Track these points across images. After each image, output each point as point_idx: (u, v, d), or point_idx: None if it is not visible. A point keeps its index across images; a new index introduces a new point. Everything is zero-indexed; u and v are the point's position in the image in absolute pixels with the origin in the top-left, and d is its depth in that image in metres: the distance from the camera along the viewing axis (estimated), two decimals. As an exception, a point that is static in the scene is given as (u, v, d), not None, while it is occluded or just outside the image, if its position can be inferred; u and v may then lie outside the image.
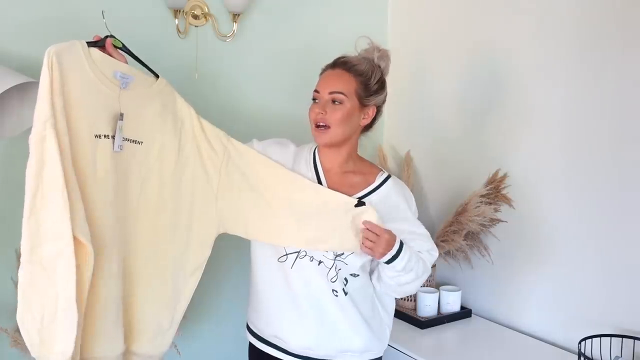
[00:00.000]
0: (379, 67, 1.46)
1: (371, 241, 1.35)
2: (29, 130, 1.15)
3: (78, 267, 1.15)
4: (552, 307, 1.89)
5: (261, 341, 1.51)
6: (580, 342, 1.56)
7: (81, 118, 1.21)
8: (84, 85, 1.22)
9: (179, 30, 1.84)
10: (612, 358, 1.61)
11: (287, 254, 1.43)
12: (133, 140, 1.32)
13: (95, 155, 1.24)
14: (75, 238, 1.14)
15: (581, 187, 1.79)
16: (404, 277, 1.42)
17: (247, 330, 1.59)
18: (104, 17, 1.35)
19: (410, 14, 2.37)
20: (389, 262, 1.37)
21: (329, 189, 1.43)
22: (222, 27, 1.94)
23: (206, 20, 1.90)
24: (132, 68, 1.32)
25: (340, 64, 1.44)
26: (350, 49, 1.49)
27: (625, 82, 1.67)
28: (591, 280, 1.77)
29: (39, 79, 1.19)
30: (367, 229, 1.36)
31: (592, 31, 1.74)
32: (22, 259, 1.14)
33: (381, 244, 1.35)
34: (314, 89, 1.45)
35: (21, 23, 1.58)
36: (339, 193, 1.41)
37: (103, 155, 1.25)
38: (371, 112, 1.46)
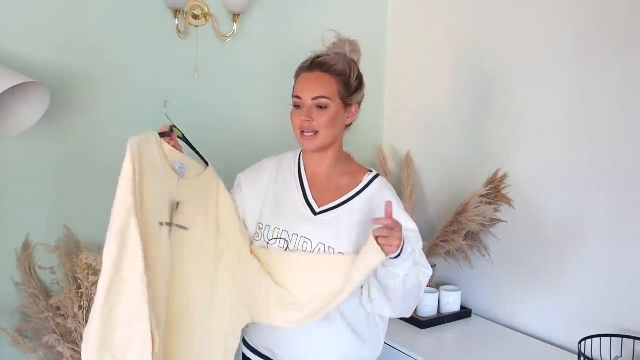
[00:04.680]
0: (354, 61, 1.42)
1: (385, 237, 1.22)
2: (28, 131, 1.14)
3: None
4: (552, 307, 1.89)
5: (255, 353, 1.49)
6: (580, 342, 1.56)
7: (151, 206, 1.25)
8: (154, 175, 1.27)
9: (179, 30, 1.84)
10: (612, 358, 1.61)
11: None
12: (181, 226, 1.35)
13: (160, 242, 1.27)
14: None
15: (581, 187, 1.79)
16: (412, 276, 1.34)
17: (242, 343, 1.55)
18: (165, 108, 1.37)
19: (410, 14, 2.37)
20: (400, 253, 1.26)
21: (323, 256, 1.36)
22: (222, 27, 1.94)
23: (206, 20, 1.90)
24: (188, 157, 1.37)
25: (317, 65, 1.37)
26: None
27: (626, 82, 1.66)
28: (591, 280, 1.77)
29: (38, 79, 1.17)
30: (379, 226, 1.23)
31: (593, 31, 1.73)
32: (87, 349, 1.13)
33: (396, 233, 1.22)
34: (293, 93, 1.39)
35: (21, 23, 1.58)
36: (334, 257, 1.34)
37: (164, 241, 1.29)
38: (354, 110, 1.43)
